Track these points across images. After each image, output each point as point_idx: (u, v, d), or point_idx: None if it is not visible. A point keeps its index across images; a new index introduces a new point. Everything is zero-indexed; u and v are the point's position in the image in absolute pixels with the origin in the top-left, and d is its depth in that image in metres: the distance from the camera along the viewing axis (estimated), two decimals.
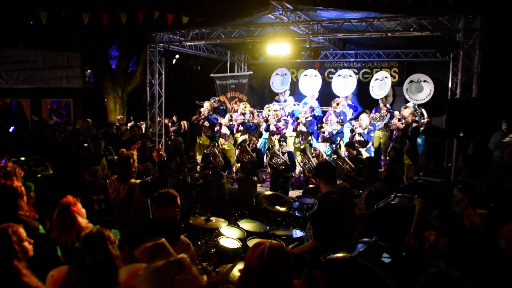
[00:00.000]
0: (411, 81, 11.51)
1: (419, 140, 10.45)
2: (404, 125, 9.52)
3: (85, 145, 8.91)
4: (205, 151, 9.04)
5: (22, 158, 4.51)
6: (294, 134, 10.86)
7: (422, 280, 2.67)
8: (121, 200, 4.71)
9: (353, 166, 8.19)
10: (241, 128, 10.89)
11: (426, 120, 10.22)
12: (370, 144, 9.92)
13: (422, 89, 11.27)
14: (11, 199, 3.00)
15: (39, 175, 4.36)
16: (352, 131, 10.04)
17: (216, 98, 12.61)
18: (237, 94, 13.72)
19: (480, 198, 4.29)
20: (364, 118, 9.93)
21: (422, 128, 9.91)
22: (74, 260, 2.32)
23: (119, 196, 4.73)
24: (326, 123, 10.46)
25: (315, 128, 10.74)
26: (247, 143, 8.52)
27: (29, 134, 10.98)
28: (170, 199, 3.36)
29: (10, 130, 11.16)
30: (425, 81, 11.29)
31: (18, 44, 16.50)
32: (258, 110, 12.62)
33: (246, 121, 10.87)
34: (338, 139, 9.88)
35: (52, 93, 14.71)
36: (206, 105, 11.69)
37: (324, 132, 10.33)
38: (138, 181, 4.79)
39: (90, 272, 2.18)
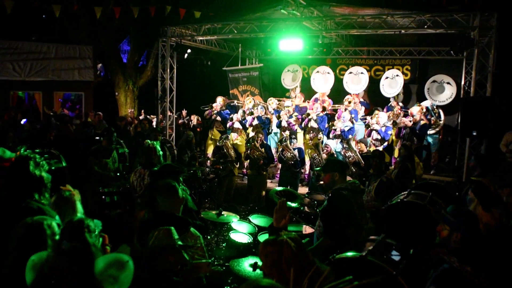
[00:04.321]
0: (433, 81, 11.34)
1: (431, 139, 10.38)
2: (412, 122, 9.44)
3: (96, 138, 8.97)
4: (217, 143, 9.06)
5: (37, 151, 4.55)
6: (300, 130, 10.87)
7: (434, 276, 2.66)
8: (143, 187, 4.84)
9: (362, 160, 8.21)
10: (255, 122, 10.86)
11: (442, 122, 10.13)
12: (386, 142, 9.84)
13: (444, 91, 11.11)
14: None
15: (53, 168, 4.40)
16: (368, 126, 9.98)
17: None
18: (249, 87, 13.71)
19: (494, 198, 4.24)
20: (382, 115, 9.85)
21: (437, 129, 9.78)
22: (54, 246, 2.36)
23: (143, 183, 4.85)
24: (338, 120, 10.43)
25: (326, 125, 10.70)
26: (255, 139, 8.54)
27: (41, 127, 11.07)
28: (172, 189, 3.39)
29: (22, 122, 11.27)
30: (448, 83, 11.10)
31: (30, 37, 16.61)
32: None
33: (260, 115, 10.86)
34: (350, 136, 9.85)
35: (64, 86, 14.81)
36: (219, 100, 11.69)
37: (335, 129, 10.30)
38: None
39: (66, 257, 2.22)
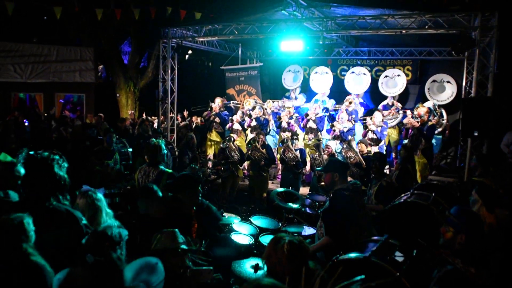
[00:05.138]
0: (433, 81, 11.34)
1: (433, 140, 10.36)
2: (419, 123, 9.41)
3: (99, 137, 8.97)
4: (221, 145, 9.04)
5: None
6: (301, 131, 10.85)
7: (438, 277, 2.64)
8: None
9: (363, 161, 8.19)
10: (253, 123, 10.85)
11: (445, 121, 10.10)
12: (382, 142, 9.84)
13: (444, 90, 11.11)
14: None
15: None
16: (365, 127, 9.99)
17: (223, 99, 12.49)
18: (246, 87, 13.66)
19: (498, 199, 4.23)
20: (378, 116, 9.86)
21: (440, 129, 9.71)
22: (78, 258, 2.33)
23: (148, 180, 4.86)
24: (337, 121, 10.42)
25: (325, 125, 10.69)
26: (256, 140, 8.53)
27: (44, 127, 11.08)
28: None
29: (26, 124, 11.29)
30: (448, 82, 11.10)
31: (31, 39, 16.63)
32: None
33: (258, 116, 10.85)
34: (349, 137, 9.83)
35: (65, 87, 14.83)
36: (218, 101, 11.66)
37: (334, 130, 10.28)
38: (169, 170, 4.92)
39: (91, 271, 2.20)
